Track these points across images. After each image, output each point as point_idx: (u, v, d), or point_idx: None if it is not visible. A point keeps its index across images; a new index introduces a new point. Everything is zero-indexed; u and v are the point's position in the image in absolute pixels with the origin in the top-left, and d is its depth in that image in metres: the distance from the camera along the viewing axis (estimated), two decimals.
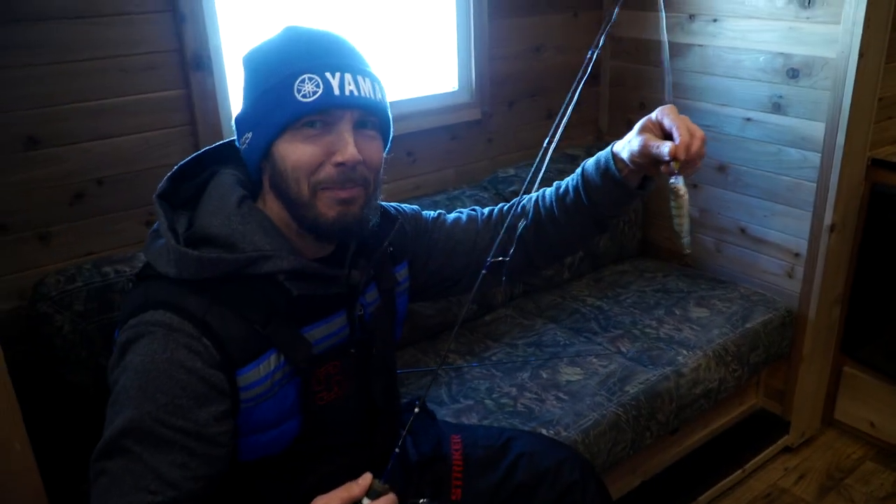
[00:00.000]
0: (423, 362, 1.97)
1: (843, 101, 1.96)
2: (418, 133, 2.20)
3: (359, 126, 0.98)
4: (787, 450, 2.31)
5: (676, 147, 1.00)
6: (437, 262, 1.27)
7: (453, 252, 1.27)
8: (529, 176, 1.09)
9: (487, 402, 1.79)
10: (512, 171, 2.36)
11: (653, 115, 1.06)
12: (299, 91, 0.94)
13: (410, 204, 1.31)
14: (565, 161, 2.43)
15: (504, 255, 1.11)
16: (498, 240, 1.12)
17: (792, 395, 2.30)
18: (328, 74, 0.95)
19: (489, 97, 2.37)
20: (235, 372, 0.94)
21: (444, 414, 1.74)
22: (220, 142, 1.10)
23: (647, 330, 2.10)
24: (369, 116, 1.00)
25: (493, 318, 2.21)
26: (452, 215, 1.31)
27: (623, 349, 2.01)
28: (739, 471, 2.18)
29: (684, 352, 1.99)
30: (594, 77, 2.71)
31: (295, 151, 0.96)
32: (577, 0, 2.53)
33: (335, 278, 1.03)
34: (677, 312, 2.19)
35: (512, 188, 2.29)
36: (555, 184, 1.23)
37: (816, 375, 2.31)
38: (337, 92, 0.94)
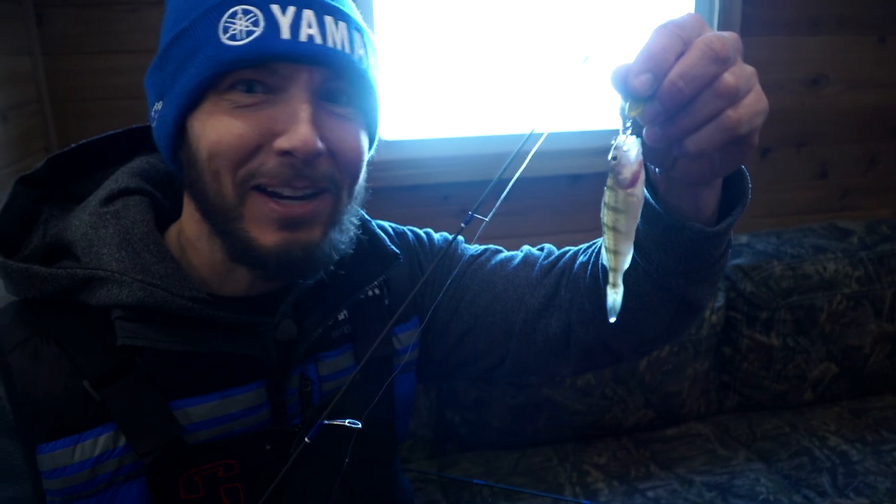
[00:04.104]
0: (553, 475, 1.46)
1: None
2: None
3: (324, 97, 0.62)
4: None
5: (629, 67, 0.47)
6: (463, 326, 0.81)
7: (488, 312, 0.80)
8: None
9: None
10: (744, 239, 1.74)
11: None
12: (226, 30, 0.58)
13: None
14: (830, 236, 1.73)
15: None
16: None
17: None
18: (275, 7, 0.58)
19: None
20: (35, 446, 0.62)
21: None
22: None
23: None
24: (341, 82, 0.62)
25: (679, 432, 1.61)
26: (504, 255, 0.84)
27: None
28: None
29: None
30: None
31: (215, 128, 0.60)
32: (887, 19, 1.82)
33: (242, 329, 0.66)
34: None
35: (739, 260, 1.67)
36: None
37: None
38: (286, 35, 0.58)
